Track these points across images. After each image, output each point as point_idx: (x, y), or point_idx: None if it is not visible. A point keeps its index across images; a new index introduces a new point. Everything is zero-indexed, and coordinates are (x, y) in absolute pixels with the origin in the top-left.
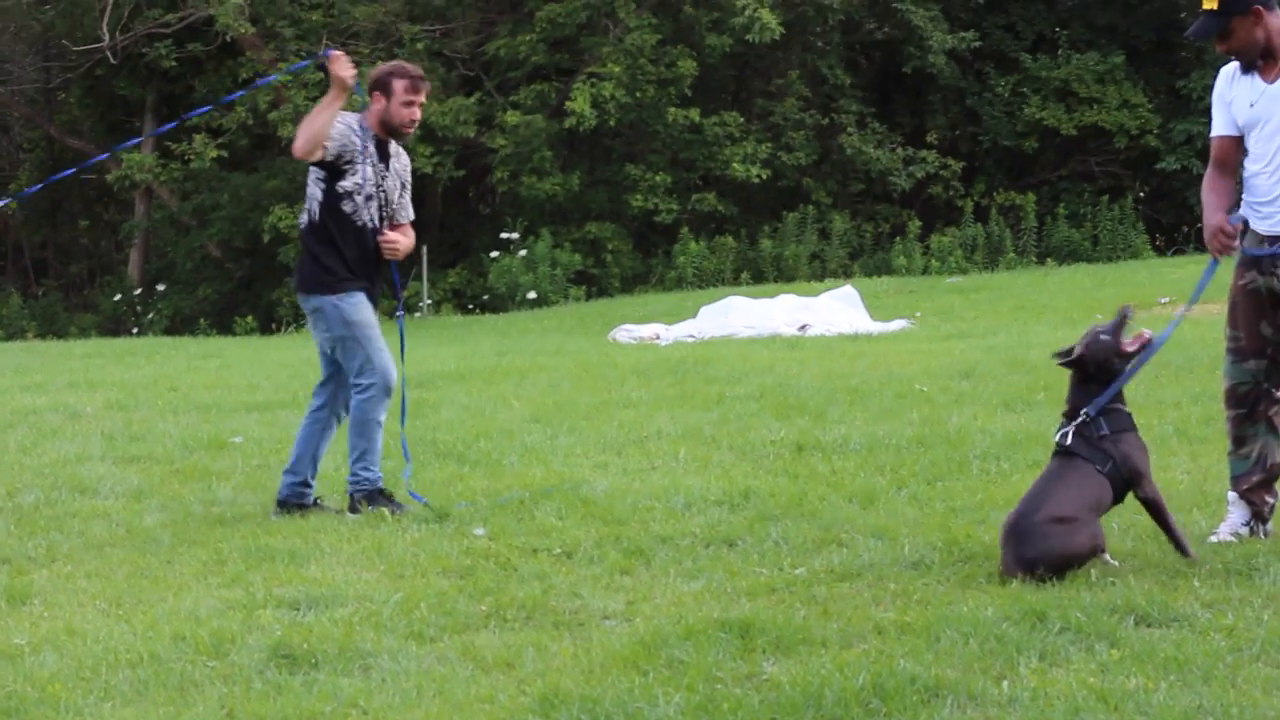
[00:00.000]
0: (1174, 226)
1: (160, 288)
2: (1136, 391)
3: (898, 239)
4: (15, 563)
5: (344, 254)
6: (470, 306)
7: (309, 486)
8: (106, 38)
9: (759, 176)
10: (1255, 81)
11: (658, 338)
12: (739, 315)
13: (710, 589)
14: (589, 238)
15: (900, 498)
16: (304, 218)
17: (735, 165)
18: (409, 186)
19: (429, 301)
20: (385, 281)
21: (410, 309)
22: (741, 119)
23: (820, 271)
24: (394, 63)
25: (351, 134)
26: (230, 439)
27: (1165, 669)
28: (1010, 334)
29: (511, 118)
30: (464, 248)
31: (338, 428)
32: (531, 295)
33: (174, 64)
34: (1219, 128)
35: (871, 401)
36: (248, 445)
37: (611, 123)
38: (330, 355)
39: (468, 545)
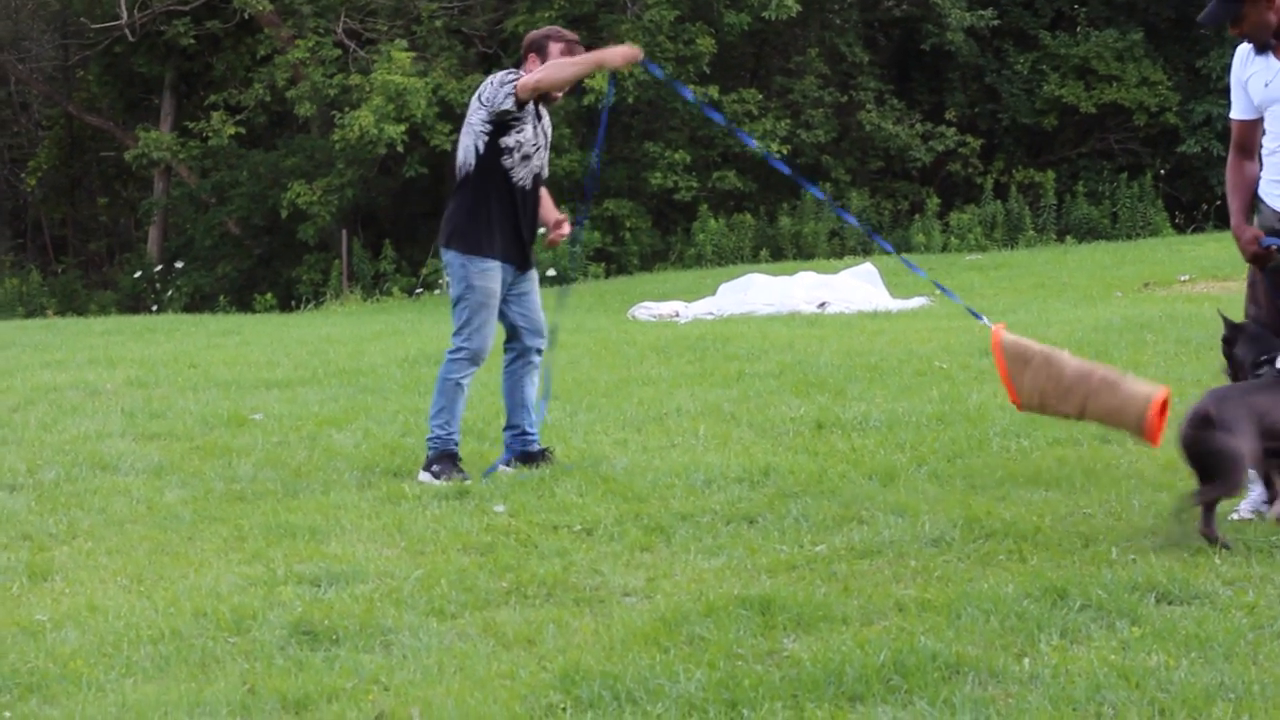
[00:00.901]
0: (1194, 204)
1: (179, 265)
2: (1155, 369)
3: (917, 216)
4: (36, 539)
5: (491, 213)
6: None
7: (529, 433)
8: (125, 15)
9: (778, 154)
10: (1270, 61)
11: (677, 315)
12: (758, 293)
13: (730, 566)
14: (608, 215)
15: (920, 475)
16: (462, 169)
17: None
18: (548, 147)
19: (447, 279)
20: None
21: (429, 286)
22: (760, 96)
23: (839, 249)
24: (551, 27)
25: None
26: (250, 416)
27: (1186, 646)
28: (1030, 311)
29: None
30: None
31: (536, 373)
32: (551, 273)
33: (192, 41)
34: (1237, 110)
35: (891, 379)
36: (268, 422)
37: (630, 100)
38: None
39: (488, 522)
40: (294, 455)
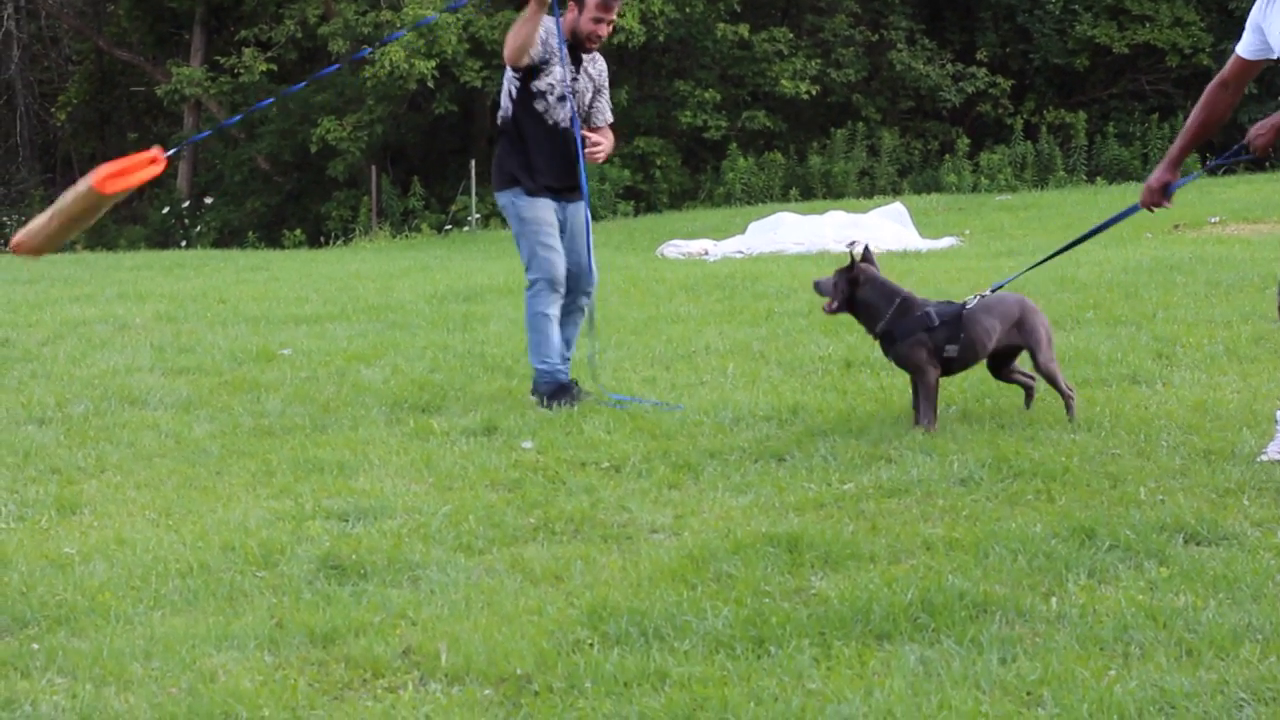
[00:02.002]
0: (1224, 146)
1: (208, 201)
2: (1185, 310)
3: (947, 156)
4: (65, 473)
5: (531, 155)
6: None
7: (564, 365)
8: None
9: (808, 93)
10: None
11: (706, 253)
12: (788, 232)
13: (758, 504)
14: (638, 153)
15: (949, 414)
16: (501, 115)
17: (784, 82)
18: (605, 90)
19: (477, 216)
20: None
21: (459, 223)
22: (791, 35)
23: (869, 188)
24: None
25: (549, 36)
26: (279, 351)
27: (1214, 587)
28: None
29: None
30: None
31: (581, 317)
32: None
33: None
34: (1244, 48)
35: None
36: (296, 357)
37: (660, 39)
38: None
39: (516, 458)
40: (322, 390)
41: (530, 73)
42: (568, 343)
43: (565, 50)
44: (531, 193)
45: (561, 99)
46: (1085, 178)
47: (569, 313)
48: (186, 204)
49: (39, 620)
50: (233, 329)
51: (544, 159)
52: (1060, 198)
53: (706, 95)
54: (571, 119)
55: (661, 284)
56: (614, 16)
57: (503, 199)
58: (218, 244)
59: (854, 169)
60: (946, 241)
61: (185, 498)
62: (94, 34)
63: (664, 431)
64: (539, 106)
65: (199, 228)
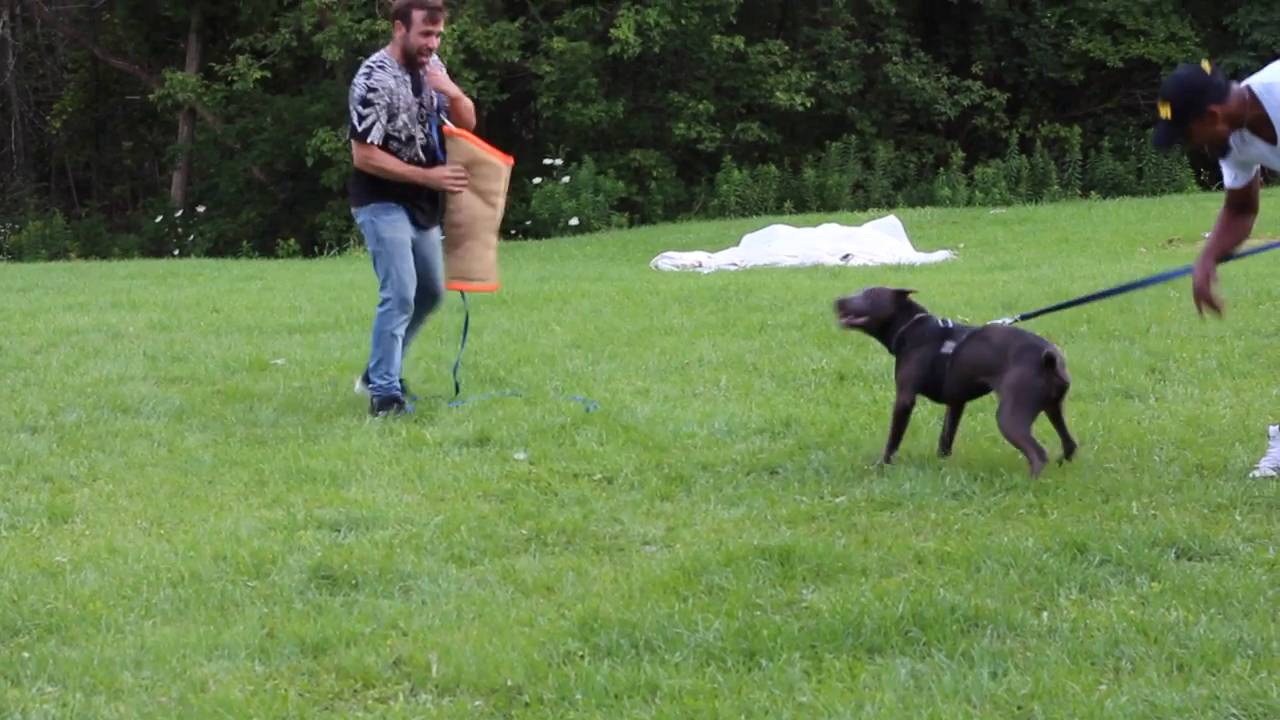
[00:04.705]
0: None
1: (202, 210)
2: (1178, 325)
3: (941, 170)
4: (57, 481)
5: (388, 180)
6: (513, 232)
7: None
8: None
9: (803, 105)
10: (1260, 144)
11: (700, 265)
12: (782, 244)
13: (750, 516)
14: (632, 165)
15: (941, 427)
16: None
17: (779, 94)
18: (442, 68)
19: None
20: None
21: None
22: (786, 47)
23: (864, 201)
24: None
25: (396, 86)
26: (272, 361)
27: (1206, 602)
28: (1054, 266)
29: (557, 44)
30: None
31: (421, 330)
32: (574, 221)
33: None
34: (1234, 181)
35: None
36: (289, 367)
37: (656, 49)
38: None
39: (508, 469)
40: (315, 400)
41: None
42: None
43: (408, 90)
44: (390, 212)
45: (410, 139)
46: (1080, 192)
47: (411, 327)
48: (180, 213)
49: (30, 628)
50: (226, 338)
51: (400, 185)
52: (1054, 212)
53: (701, 107)
54: (426, 146)
55: (655, 296)
56: (440, 27)
57: (361, 216)
58: (211, 253)
59: (848, 182)
60: (940, 255)
61: (177, 507)
62: (89, 42)
63: (656, 444)
64: (393, 147)
65: (193, 237)
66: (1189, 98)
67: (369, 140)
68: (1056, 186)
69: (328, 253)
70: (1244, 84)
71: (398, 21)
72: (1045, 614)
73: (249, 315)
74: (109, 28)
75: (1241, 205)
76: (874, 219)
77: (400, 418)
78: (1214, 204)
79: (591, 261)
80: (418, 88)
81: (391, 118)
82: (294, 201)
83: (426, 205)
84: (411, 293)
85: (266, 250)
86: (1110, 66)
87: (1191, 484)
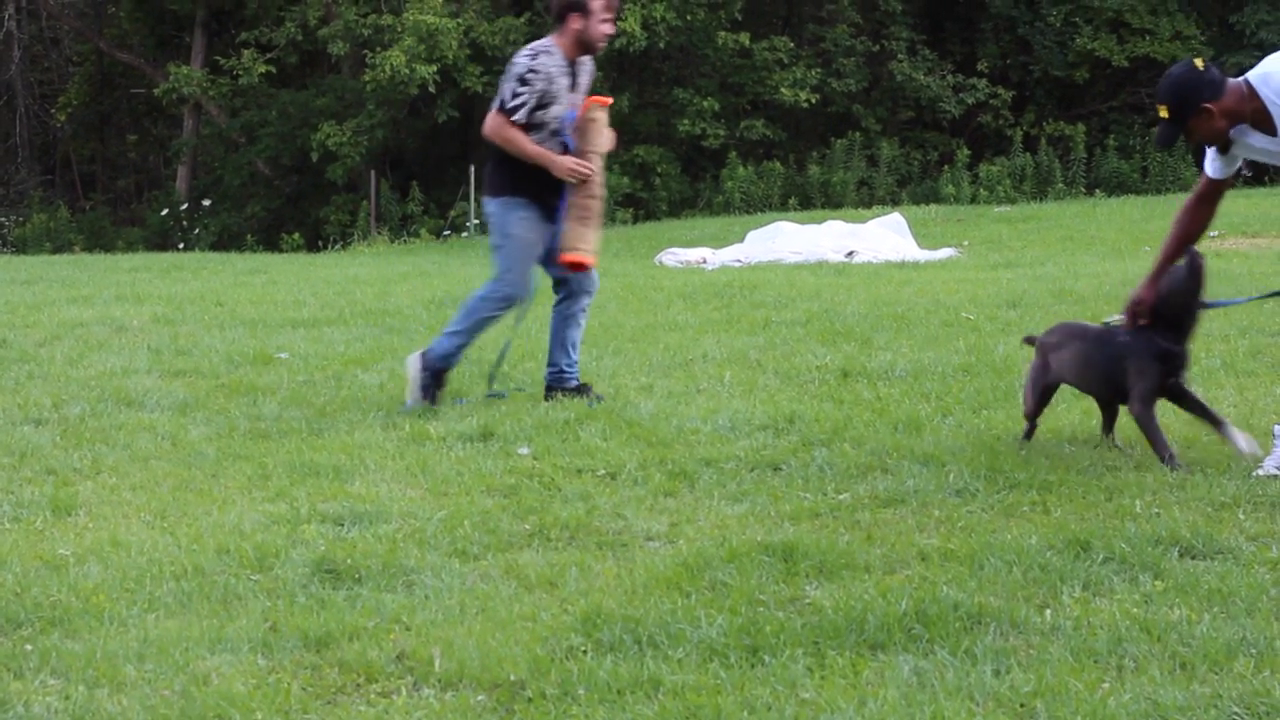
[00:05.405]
0: None
1: (207, 204)
2: None
3: (946, 167)
4: (61, 474)
5: (524, 166)
6: None
7: (566, 371)
8: None
9: (808, 102)
10: (1260, 138)
11: (704, 262)
12: (786, 241)
13: (754, 512)
14: (637, 161)
15: (945, 425)
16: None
17: (784, 91)
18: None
19: (476, 222)
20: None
21: (457, 229)
22: (792, 44)
23: (868, 199)
24: None
25: (560, 74)
26: (276, 355)
27: (1209, 601)
28: (1058, 264)
29: None
30: None
31: (585, 319)
32: None
33: None
34: (1218, 172)
35: (918, 329)
36: (293, 361)
37: (661, 45)
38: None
39: (512, 464)
40: (319, 394)
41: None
42: (574, 345)
43: (568, 81)
44: (523, 209)
45: (556, 133)
46: (1084, 190)
47: (573, 315)
48: (185, 207)
49: (33, 621)
50: (230, 332)
51: (535, 174)
52: (1059, 210)
53: (706, 104)
54: (564, 143)
55: (659, 292)
56: (615, 15)
57: (492, 207)
58: (216, 247)
59: (853, 179)
60: (945, 252)
61: (181, 500)
62: (95, 36)
63: (660, 439)
64: (534, 136)
65: (197, 230)
66: (1183, 96)
67: (514, 118)
68: (1061, 184)
69: (332, 247)
70: (1242, 77)
71: (572, 14)
72: (1048, 612)
73: (253, 309)
74: (114, 21)
75: (1214, 197)
76: (878, 216)
77: (421, 407)
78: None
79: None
80: (574, 84)
81: (545, 107)
82: (298, 196)
83: (556, 202)
84: (522, 294)
85: (271, 244)
86: (1115, 65)
87: (1195, 482)
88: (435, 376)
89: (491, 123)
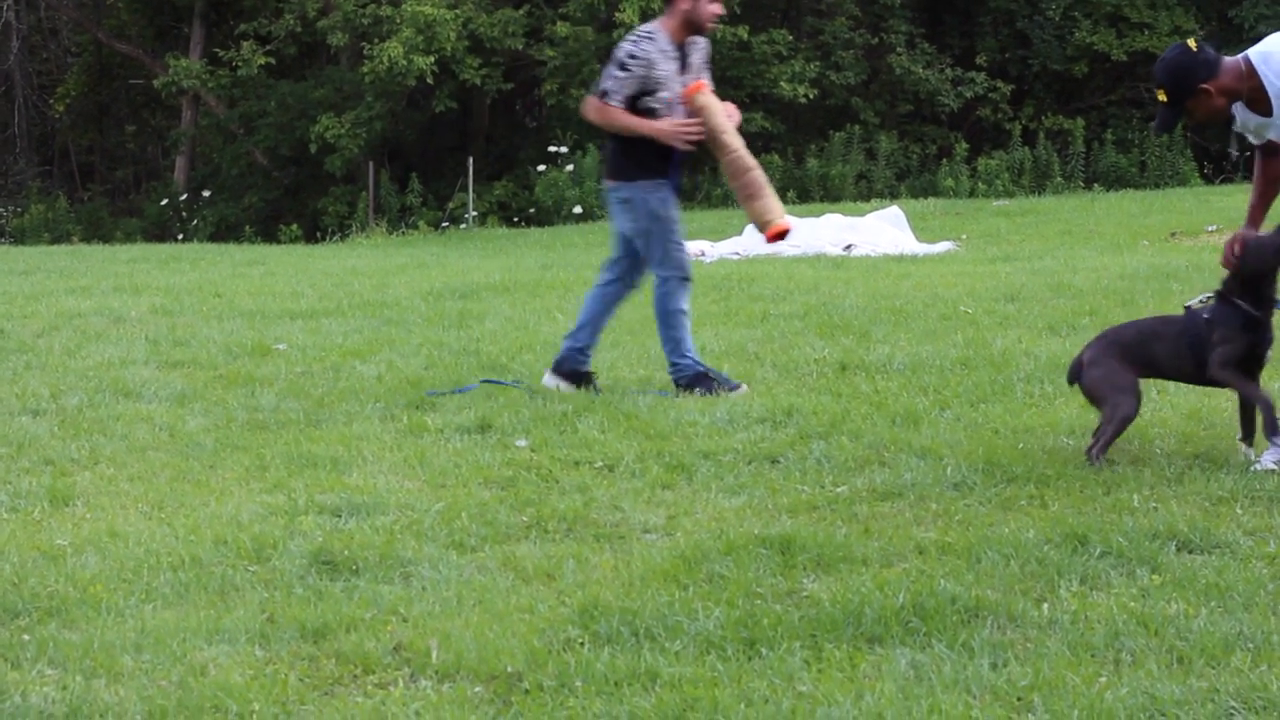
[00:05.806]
0: (1222, 155)
1: (205, 194)
2: None
3: (945, 161)
4: (59, 464)
5: (651, 146)
6: (515, 219)
7: (586, 355)
8: None
9: (806, 95)
10: (1255, 117)
11: (703, 254)
12: None
13: (751, 505)
14: None
15: (943, 419)
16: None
17: (783, 84)
18: (705, 71)
19: (474, 213)
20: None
21: (456, 220)
22: (790, 37)
23: (866, 192)
24: None
25: (663, 59)
26: (274, 346)
27: (1206, 595)
28: (1056, 258)
29: (561, 29)
30: (510, 160)
31: (620, 305)
32: (577, 210)
33: None
34: (1259, 141)
35: (916, 322)
36: (291, 352)
37: None
38: (628, 238)
39: (509, 456)
40: (317, 386)
41: (640, 93)
42: (595, 330)
43: (676, 65)
44: (660, 189)
45: (672, 103)
46: (1082, 184)
47: (613, 303)
48: (184, 197)
49: (30, 611)
50: (228, 323)
51: (659, 153)
52: (1057, 204)
53: None
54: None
55: None
56: None
57: (626, 192)
58: (214, 238)
59: (851, 172)
60: (943, 246)
61: (178, 491)
62: (93, 26)
63: (658, 432)
64: (651, 114)
65: (196, 221)
66: (1179, 78)
67: (609, 101)
68: (1059, 178)
69: (330, 238)
70: (1241, 55)
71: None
72: (1046, 605)
73: (251, 300)
74: (113, 12)
75: (1273, 150)
76: (877, 209)
77: (720, 394)
78: (1217, 198)
79: (594, 249)
80: (684, 65)
81: (651, 92)
82: (297, 187)
83: (677, 177)
84: (690, 266)
85: (269, 235)
86: (1114, 59)
87: (1193, 477)
88: (697, 378)
89: (592, 107)
